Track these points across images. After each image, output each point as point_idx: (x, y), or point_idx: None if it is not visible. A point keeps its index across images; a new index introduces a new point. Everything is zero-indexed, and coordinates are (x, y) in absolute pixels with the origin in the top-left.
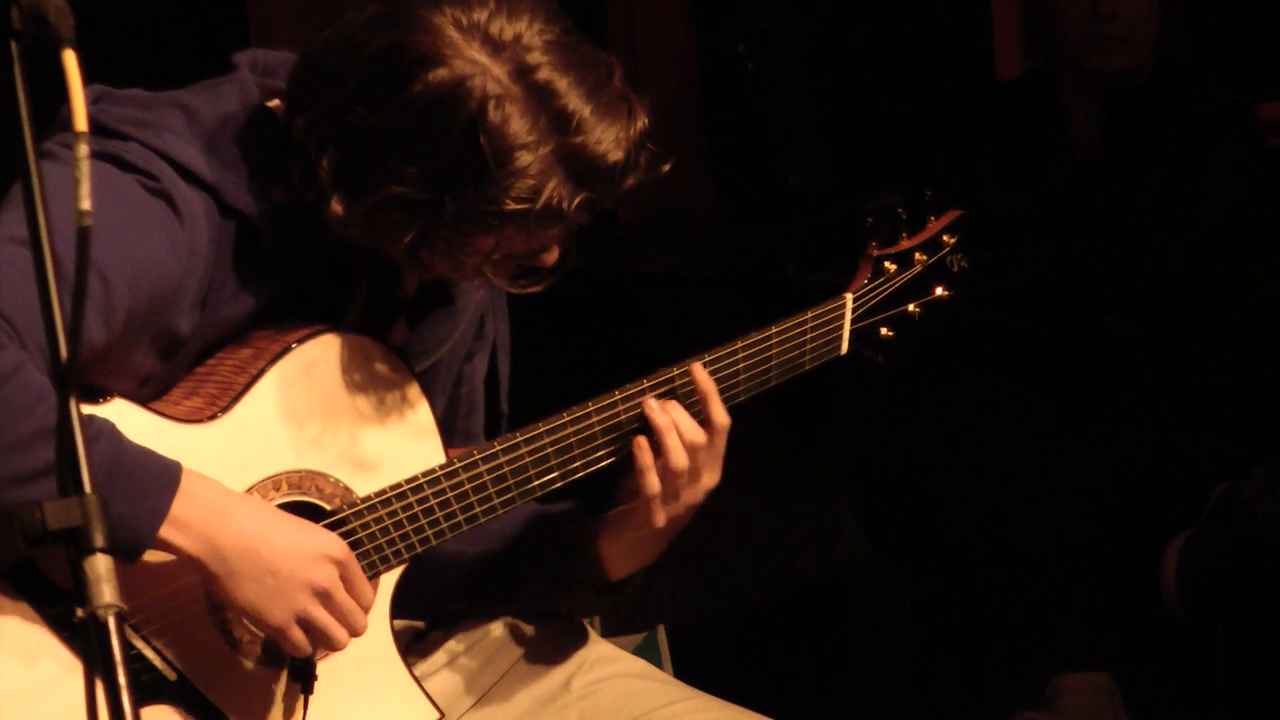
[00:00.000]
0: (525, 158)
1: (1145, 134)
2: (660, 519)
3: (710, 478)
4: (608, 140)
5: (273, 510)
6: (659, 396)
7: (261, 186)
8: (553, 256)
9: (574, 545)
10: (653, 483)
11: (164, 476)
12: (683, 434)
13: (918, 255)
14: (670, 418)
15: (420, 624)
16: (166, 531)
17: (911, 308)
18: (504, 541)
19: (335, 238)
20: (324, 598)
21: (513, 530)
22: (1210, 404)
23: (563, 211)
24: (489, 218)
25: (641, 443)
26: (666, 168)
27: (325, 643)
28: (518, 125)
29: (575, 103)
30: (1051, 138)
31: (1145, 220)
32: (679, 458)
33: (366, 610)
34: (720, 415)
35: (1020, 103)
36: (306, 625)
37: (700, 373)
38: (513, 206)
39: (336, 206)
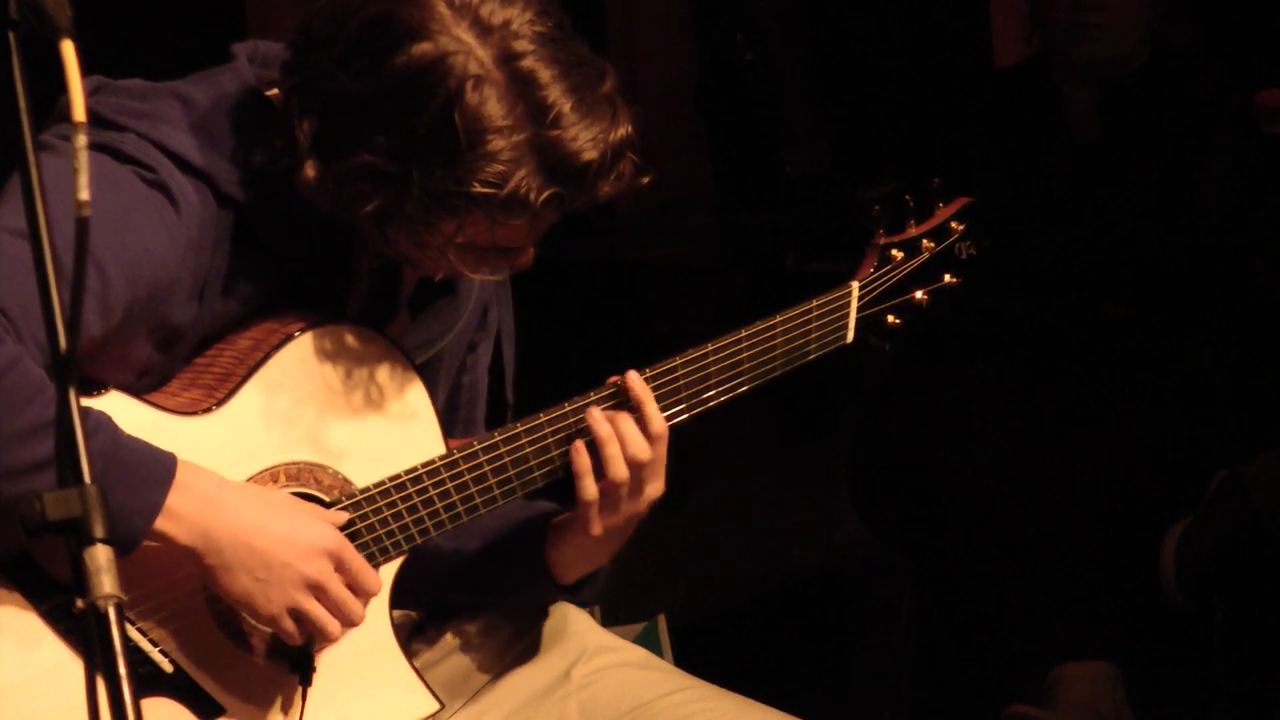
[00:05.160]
0: (497, 142)
1: (1143, 121)
2: (597, 528)
3: (653, 488)
4: (584, 138)
5: (269, 499)
6: (610, 407)
7: (258, 175)
8: (526, 259)
9: (533, 546)
10: (589, 488)
11: (159, 469)
12: (626, 446)
13: (925, 242)
14: (613, 429)
15: (415, 614)
16: (162, 523)
17: (919, 295)
18: (478, 537)
19: (306, 203)
20: (317, 590)
21: (487, 527)
22: (1210, 391)
23: (529, 202)
24: (455, 199)
25: (579, 447)
26: (646, 180)
27: (319, 634)
28: (494, 108)
29: (556, 96)
30: (1049, 124)
31: (1144, 207)
32: (619, 469)
33: (370, 596)
34: (658, 424)
35: (1018, 89)
36: (299, 617)
37: (634, 381)
38: (479, 189)
39: (309, 171)
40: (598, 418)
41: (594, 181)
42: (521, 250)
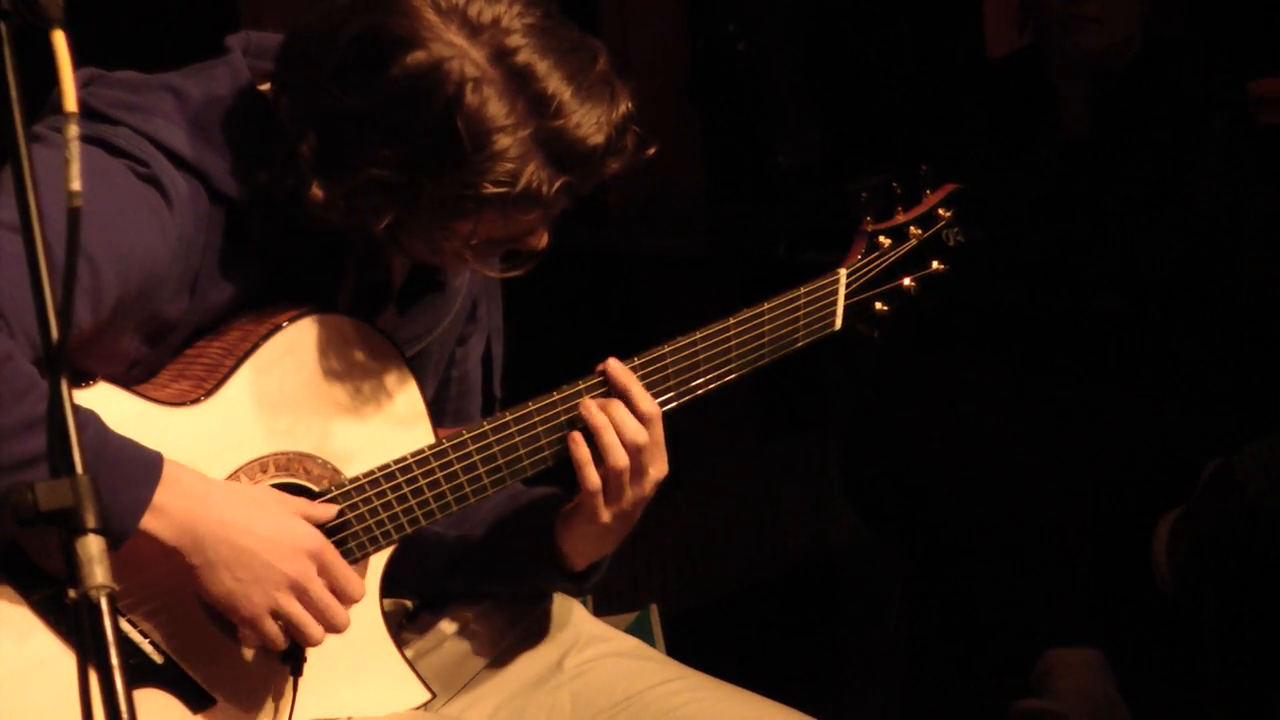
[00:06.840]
0: (504, 141)
1: (1135, 112)
2: (606, 515)
3: (656, 469)
4: (588, 123)
5: (254, 497)
6: (600, 395)
7: (250, 170)
8: (541, 240)
9: (541, 533)
10: (591, 477)
11: (146, 467)
12: (622, 432)
13: (913, 229)
14: (606, 417)
15: (409, 603)
16: (148, 521)
17: (907, 282)
18: (483, 524)
19: (318, 221)
20: (299, 592)
21: (492, 513)
22: (1201, 381)
23: (541, 195)
24: (467, 201)
25: (576, 437)
26: (652, 151)
27: (300, 637)
28: (496, 108)
29: (555, 85)
30: (1041, 116)
31: (1137, 199)
32: (618, 455)
33: (354, 601)
34: (648, 405)
35: (1010, 81)
36: (280, 618)
37: (616, 368)
38: (491, 190)
39: (317, 191)
40: (591, 407)
41: (603, 162)
42: (534, 234)
